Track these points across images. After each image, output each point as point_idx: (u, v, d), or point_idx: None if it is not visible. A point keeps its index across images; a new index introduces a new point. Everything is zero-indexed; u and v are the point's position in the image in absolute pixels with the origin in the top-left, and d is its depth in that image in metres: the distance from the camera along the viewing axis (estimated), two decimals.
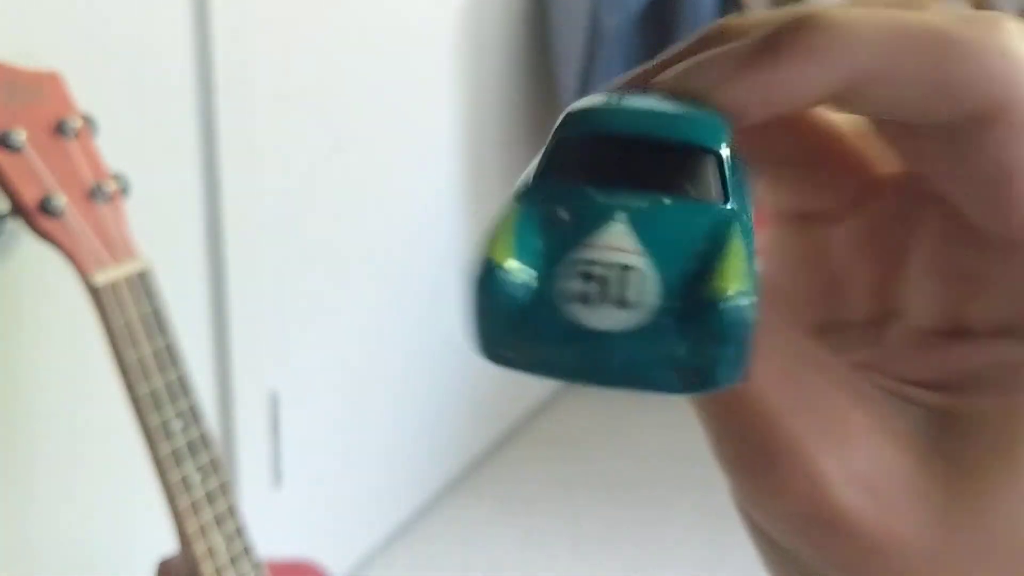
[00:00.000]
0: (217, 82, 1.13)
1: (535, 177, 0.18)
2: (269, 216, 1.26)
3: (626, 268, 0.17)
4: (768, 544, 0.21)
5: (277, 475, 1.37)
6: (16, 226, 0.73)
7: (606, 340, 0.16)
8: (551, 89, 1.83)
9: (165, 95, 1.09)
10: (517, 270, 0.17)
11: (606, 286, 0.16)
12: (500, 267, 0.17)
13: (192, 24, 1.09)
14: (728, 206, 0.17)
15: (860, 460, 0.19)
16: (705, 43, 0.21)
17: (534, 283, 0.17)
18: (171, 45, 1.08)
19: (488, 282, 0.16)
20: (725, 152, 0.18)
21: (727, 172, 0.18)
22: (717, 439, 0.20)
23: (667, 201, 0.17)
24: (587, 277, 0.17)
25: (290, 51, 1.26)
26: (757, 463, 0.19)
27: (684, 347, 0.17)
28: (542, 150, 0.18)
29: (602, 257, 0.17)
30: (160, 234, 1.01)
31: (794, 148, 0.23)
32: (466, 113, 1.68)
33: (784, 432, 0.19)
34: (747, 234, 0.17)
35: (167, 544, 0.83)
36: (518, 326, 0.17)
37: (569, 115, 0.18)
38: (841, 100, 0.19)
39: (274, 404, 1.33)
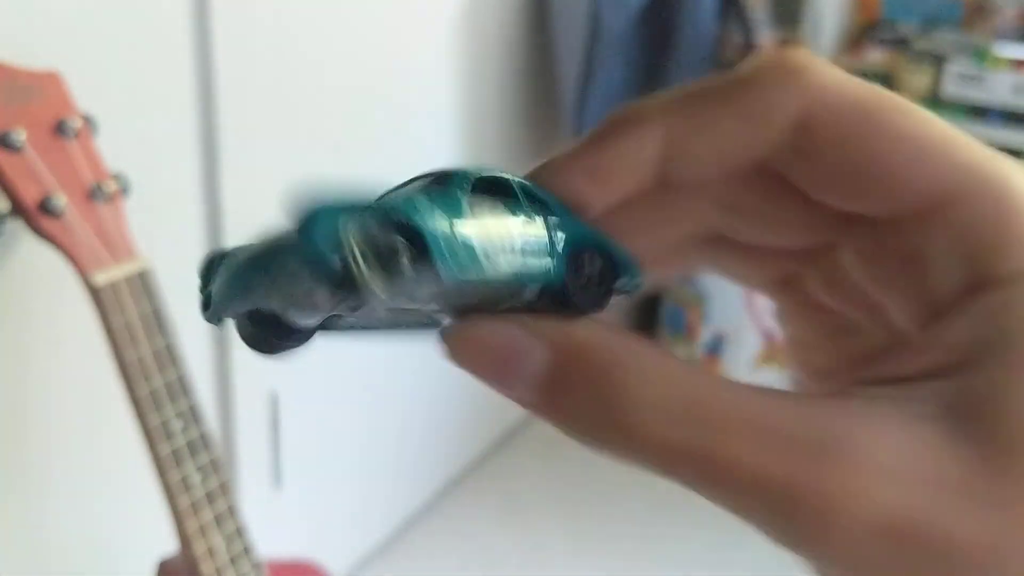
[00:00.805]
0: (217, 82, 1.13)
1: None
2: (269, 216, 1.26)
3: None
4: None
5: (277, 475, 1.37)
6: (16, 226, 0.73)
7: None
8: (551, 89, 1.83)
9: (165, 95, 1.09)
10: None
11: None
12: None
13: (192, 24, 1.09)
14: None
15: (894, 474, 0.18)
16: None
17: None
18: (171, 45, 1.08)
19: None
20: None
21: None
22: (760, 529, 0.19)
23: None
24: None
25: (290, 51, 1.26)
26: (806, 530, 0.18)
27: None
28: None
29: None
30: (160, 234, 1.01)
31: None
32: (466, 113, 1.68)
33: (812, 489, 0.18)
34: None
35: (167, 544, 0.83)
36: None
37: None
38: (672, 166, 0.21)
39: (274, 404, 1.33)
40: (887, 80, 2.37)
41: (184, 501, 0.78)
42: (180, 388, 0.78)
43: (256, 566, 0.84)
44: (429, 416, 1.76)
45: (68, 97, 0.75)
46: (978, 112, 2.23)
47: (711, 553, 1.69)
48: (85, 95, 0.77)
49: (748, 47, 1.99)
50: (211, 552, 0.80)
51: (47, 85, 0.74)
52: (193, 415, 0.79)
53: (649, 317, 2.28)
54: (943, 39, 2.36)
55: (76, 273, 0.74)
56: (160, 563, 0.87)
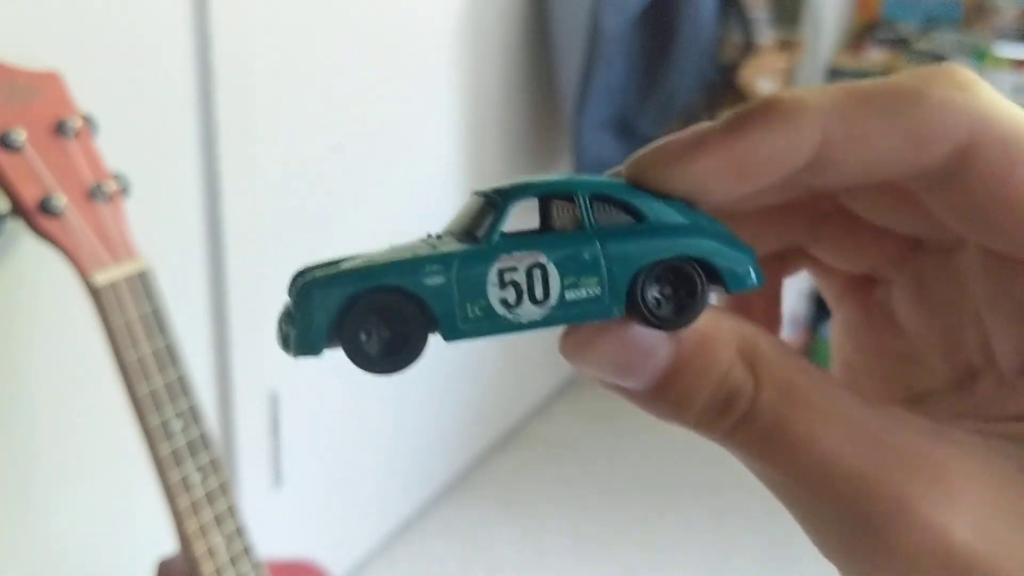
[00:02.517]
0: (217, 82, 1.13)
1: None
2: (269, 216, 1.26)
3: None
4: None
5: (277, 475, 1.37)
6: (16, 226, 0.73)
7: None
8: (551, 89, 1.83)
9: (165, 95, 1.09)
10: None
11: None
12: None
13: (192, 24, 1.09)
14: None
15: (970, 504, 0.18)
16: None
17: None
18: (171, 45, 1.08)
19: None
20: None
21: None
22: (815, 521, 0.19)
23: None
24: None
25: (290, 51, 1.26)
26: (867, 529, 0.18)
27: None
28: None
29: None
30: (160, 234, 1.01)
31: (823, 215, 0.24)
32: (466, 113, 1.68)
33: (887, 494, 0.18)
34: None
35: (167, 544, 0.83)
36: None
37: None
38: (815, 169, 0.20)
39: (274, 404, 1.33)
40: None
41: (184, 501, 0.78)
42: (180, 388, 0.78)
43: (256, 566, 0.84)
44: (429, 416, 1.76)
45: (68, 97, 0.75)
46: None
47: (710, 553, 1.69)
48: (85, 95, 0.77)
49: (748, 47, 1.99)
50: (211, 552, 0.80)
51: (47, 85, 0.74)
52: (193, 415, 0.79)
53: None
54: (943, 39, 2.36)
55: (76, 273, 0.74)
56: (160, 563, 0.87)
